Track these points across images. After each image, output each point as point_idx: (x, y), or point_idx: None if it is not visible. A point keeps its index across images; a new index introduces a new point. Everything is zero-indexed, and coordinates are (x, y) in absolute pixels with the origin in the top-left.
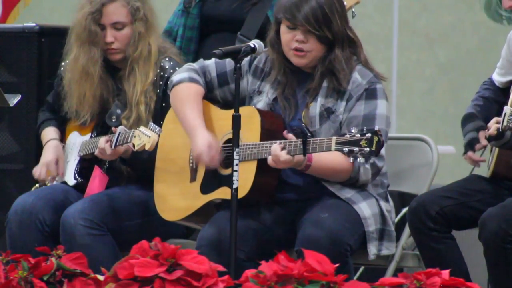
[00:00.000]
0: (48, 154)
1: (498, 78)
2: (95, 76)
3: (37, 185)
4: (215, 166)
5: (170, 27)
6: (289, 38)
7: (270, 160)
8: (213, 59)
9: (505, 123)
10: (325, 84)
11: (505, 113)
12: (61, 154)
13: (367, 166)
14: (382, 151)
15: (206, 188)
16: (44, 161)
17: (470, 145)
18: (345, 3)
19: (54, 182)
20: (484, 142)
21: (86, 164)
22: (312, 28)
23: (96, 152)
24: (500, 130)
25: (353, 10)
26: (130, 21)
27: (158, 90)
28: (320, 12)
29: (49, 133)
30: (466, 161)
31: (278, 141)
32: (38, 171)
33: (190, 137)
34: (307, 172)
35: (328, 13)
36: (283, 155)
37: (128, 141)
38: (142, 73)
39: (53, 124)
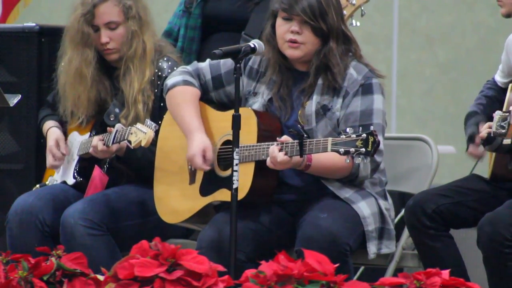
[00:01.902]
0: (49, 140)
1: (500, 79)
2: (88, 77)
3: (37, 185)
4: (205, 169)
5: (170, 28)
6: (285, 29)
7: (268, 161)
8: (207, 61)
9: (494, 129)
10: (320, 81)
11: (494, 118)
12: (60, 136)
13: (366, 160)
14: (381, 145)
15: (205, 190)
16: (47, 149)
17: (471, 139)
18: (354, 1)
19: (56, 176)
20: (483, 132)
21: (85, 163)
22: (308, 18)
23: (90, 150)
24: (492, 135)
25: (362, 8)
26: (123, 20)
27: (156, 90)
28: (317, 4)
29: (48, 124)
30: (470, 157)
31: (275, 143)
32: (47, 161)
33: (187, 139)
34: (307, 171)
35: (324, 6)
36: (281, 156)
37: (125, 138)
38: (138, 71)
39: (53, 119)
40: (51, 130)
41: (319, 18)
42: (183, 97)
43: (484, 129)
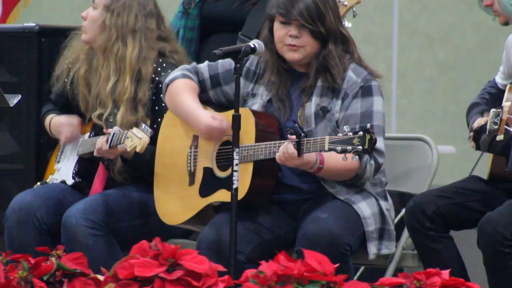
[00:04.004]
0: (62, 119)
1: (501, 81)
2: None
3: (38, 183)
4: (227, 126)
5: None
6: (283, 33)
7: (277, 156)
8: (206, 62)
9: (488, 126)
10: (319, 83)
11: (489, 116)
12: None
13: (372, 162)
14: (382, 147)
15: (204, 191)
16: (65, 122)
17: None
18: (346, 2)
19: (56, 175)
20: (475, 123)
21: (85, 164)
22: (306, 22)
23: (95, 152)
24: (487, 133)
25: (354, 9)
26: (102, 5)
27: (147, 107)
28: (314, 7)
29: (50, 116)
30: (471, 145)
31: (274, 142)
32: (65, 134)
33: (190, 122)
34: (318, 174)
35: (321, 8)
36: (291, 148)
37: (122, 142)
38: (111, 73)
39: (55, 113)
40: (55, 118)
41: (317, 22)
42: (182, 88)
43: (477, 122)
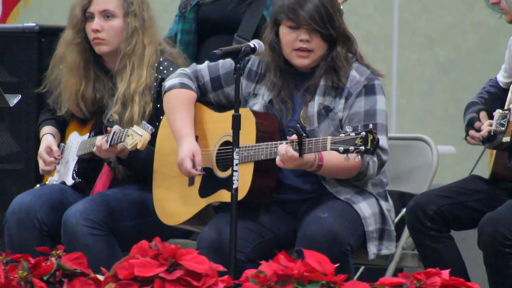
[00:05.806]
0: (40, 147)
1: (502, 79)
2: (69, 59)
3: (37, 185)
4: (194, 175)
5: (169, 34)
6: (292, 38)
7: (278, 160)
8: (206, 63)
9: (494, 127)
10: (322, 82)
11: (494, 117)
12: (51, 142)
13: (375, 159)
14: (385, 144)
15: (204, 191)
16: (38, 155)
17: (470, 124)
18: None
19: (55, 176)
20: (484, 130)
21: (85, 164)
22: (317, 26)
23: (94, 149)
24: (492, 133)
25: (342, 7)
26: (121, 13)
27: (153, 92)
28: (324, 9)
29: (44, 130)
30: (468, 143)
31: (283, 142)
32: (39, 166)
33: (177, 144)
34: (318, 172)
35: (330, 10)
36: (290, 151)
37: (122, 140)
38: (135, 72)
39: (50, 123)
40: (44, 137)
41: (328, 24)
42: (177, 101)
43: (485, 127)
